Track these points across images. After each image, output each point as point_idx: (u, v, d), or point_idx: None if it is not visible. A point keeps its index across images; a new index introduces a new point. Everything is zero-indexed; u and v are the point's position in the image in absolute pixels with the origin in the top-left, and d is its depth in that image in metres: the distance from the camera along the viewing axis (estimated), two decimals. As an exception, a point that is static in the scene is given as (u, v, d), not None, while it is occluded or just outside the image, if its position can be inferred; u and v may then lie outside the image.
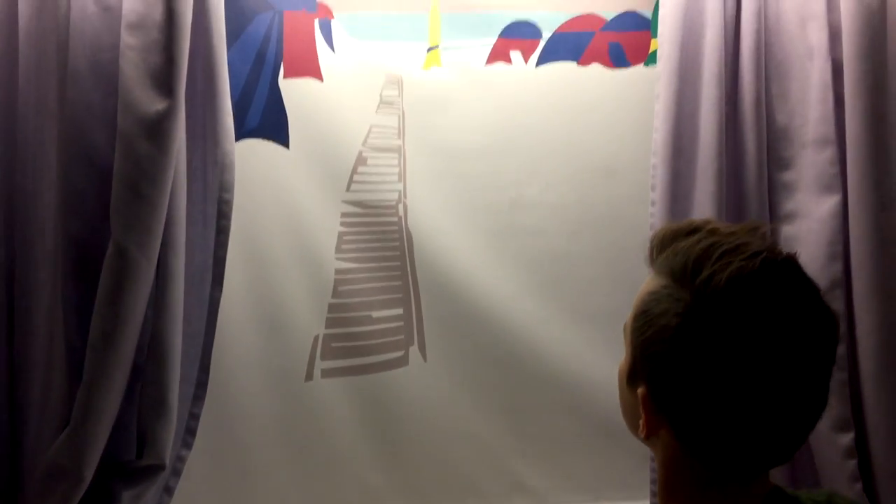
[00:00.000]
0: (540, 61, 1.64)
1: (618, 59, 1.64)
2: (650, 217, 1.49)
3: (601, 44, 1.64)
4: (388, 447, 1.62)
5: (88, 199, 1.34)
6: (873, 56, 1.39)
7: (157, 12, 1.32)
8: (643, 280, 0.80)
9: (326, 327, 1.61)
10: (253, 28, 1.56)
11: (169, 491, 1.42)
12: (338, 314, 1.61)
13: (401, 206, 1.62)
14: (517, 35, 1.63)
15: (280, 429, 1.59)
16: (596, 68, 1.64)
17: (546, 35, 1.63)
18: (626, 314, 0.81)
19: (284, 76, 1.59)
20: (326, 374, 1.61)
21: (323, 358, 1.61)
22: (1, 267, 1.39)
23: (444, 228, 1.63)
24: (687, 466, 0.76)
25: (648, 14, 1.63)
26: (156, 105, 1.31)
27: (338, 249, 1.61)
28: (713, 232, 0.75)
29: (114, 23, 1.34)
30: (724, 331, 0.70)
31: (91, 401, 1.30)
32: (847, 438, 1.40)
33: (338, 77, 1.60)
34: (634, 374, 0.78)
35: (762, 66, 1.46)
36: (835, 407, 1.41)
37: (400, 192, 1.62)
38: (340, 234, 1.61)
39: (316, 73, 1.59)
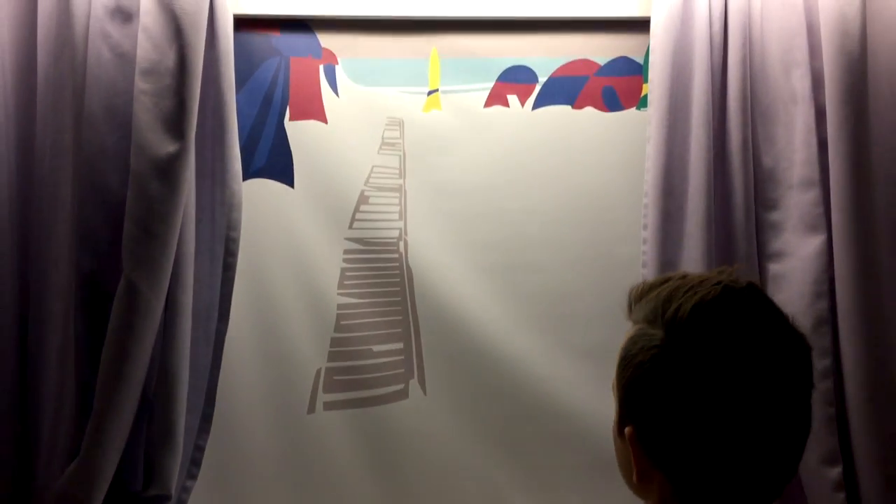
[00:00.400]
0: (536, 104, 1.68)
1: (611, 102, 1.69)
2: (642, 255, 1.53)
3: (595, 88, 1.68)
4: (388, 479, 1.64)
5: (101, 236, 1.40)
6: (855, 101, 1.44)
7: (170, 59, 1.38)
8: (635, 316, 0.83)
9: (329, 361, 1.64)
10: (260, 73, 1.63)
11: (174, 520, 1.45)
12: (340, 348, 1.64)
13: (401, 244, 1.66)
14: (514, 79, 1.68)
15: (283, 460, 1.62)
16: (590, 111, 1.68)
17: (542, 79, 1.68)
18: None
19: (290, 119, 1.64)
20: (328, 406, 1.64)
21: (325, 391, 1.64)
22: (15, 300, 1.43)
23: (443, 265, 1.66)
24: None
25: (640, 60, 1.68)
26: (167, 147, 1.37)
27: (340, 285, 1.65)
28: (683, 277, 0.79)
29: (128, 69, 1.41)
30: (694, 357, 0.73)
31: (100, 432, 1.34)
32: (835, 472, 1.43)
33: (341, 119, 1.65)
34: (622, 421, 0.80)
35: (748, 110, 1.50)
36: (823, 441, 1.43)
37: (401, 229, 1.67)
38: (343, 271, 1.65)
39: (320, 116, 1.65)
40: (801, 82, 1.49)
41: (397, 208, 1.66)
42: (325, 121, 1.65)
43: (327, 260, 1.64)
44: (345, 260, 1.65)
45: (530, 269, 1.67)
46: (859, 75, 1.44)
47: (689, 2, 1.51)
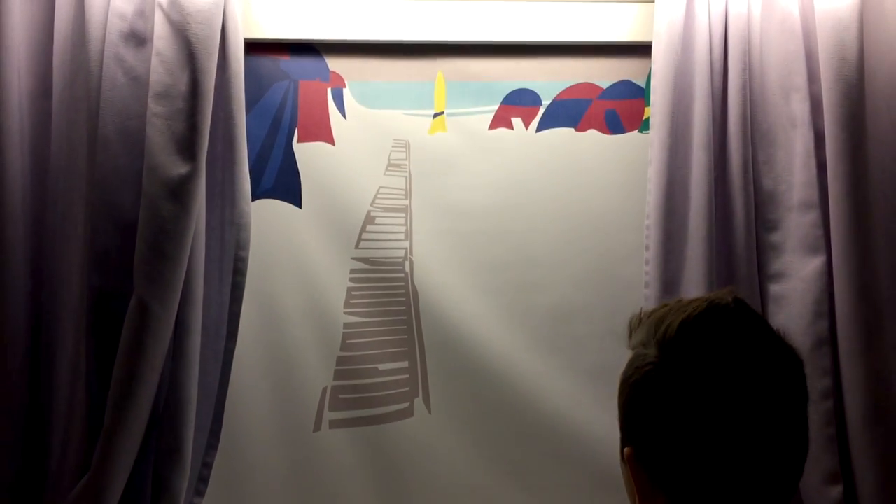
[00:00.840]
0: (540, 127, 1.71)
1: (614, 125, 1.72)
2: (645, 275, 1.55)
3: (598, 111, 1.71)
4: (393, 496, 1.65)
5: (113, 256, 1.42)
6: (853, 125, 1.46)
7: (182, 83, 1.41)
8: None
9: (335, 379, 1.66)
10: (270, 96, 1.66)
11: (182, 537, 1.46)
12: (346, 366, 1.66)
13: (407, 263, 1.68)
14: (518, 102, 1.71)
15: (289, 477, 1.63)
16: (593, 134, 1.71)
17: (546, 102, 1.71)
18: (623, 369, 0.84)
19: (298, 140, 1.67)
20: (334, 424, 1.65)
21: (331, 409, 1.65)
22: (27, 318, 1.45)
23: (448, 284, 1.68)
24: None
25: (642, 83, 1.71)
26: (179, 169, 1.40)
27: (346, 304, 1.67)
28: (679, 301, 0.82)
29: (141, 92, 1.43)
30: (683, 373, 0.74)
31: (110, 448, 1.36)
32: (836, 491, 1.44)
33: (349, 141, 1.68)
34: (623, 443, 0.80)
35: (748, 134, 1.53)
36: (824, 461, 1.45)
37: (406, 249, 1.69)
38: (349, 290, 1.67)
39: (328, 138, 1.68)
40: (800, 106, 1.52)
41: (403, 228, 1.69)
42: (332, 142, 1.68)
43: (334, 279, 1.67)
44: (351, 279, 1.67)
45: (534, 289, 1.69)
46: (857, 100, 1.47)
47: (689, 27, 1.54)
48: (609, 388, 0.87)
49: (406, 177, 1.69)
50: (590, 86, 1.72)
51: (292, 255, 1.66)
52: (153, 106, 1.41)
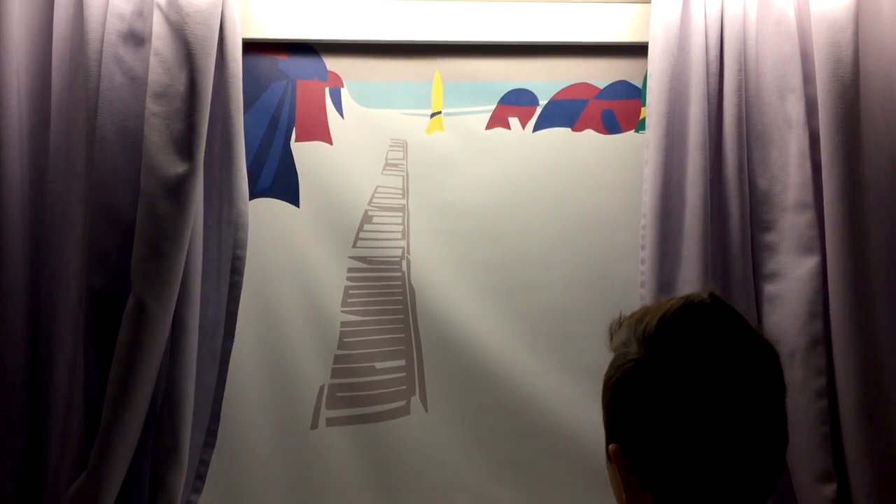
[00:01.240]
0: (537, 127, 1.71)
1: (610, 125, 1.72)
2: (640, 275, 1.55)
3: (594, 111, 1.72)
4: (389, 494, 1.66)
5: (111, 255, 1.43)
6: (848, 126, 1.47)
7: (181, 83, 1.42)
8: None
9: (332, 377, 1.66)
10: (268, 96, 1.66)
11: (179, 534, 1.47)
12: (343, 365, 1.67)
13: (404, 262, 1.69)
14: (515, 102, 1.71)
15: (286, 475, 1.64)
16: (589, 134, 1.71)
17: (542, 102, 1.71)
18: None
19: (296, 140, 1.68)
20: (331, 422, 1.66)
21: (328, 407, 1.66)
22: (26, 317, 1.46)
23: (445, 283, 1.69)
24: None
25: (639, 83, 1.71)
26: (177, 168, 1.40)
27: (344, 303, 1.67)
28: (658, 304, 0.83)
29: (140, 92, 1.44)
30: (661, 369, 0.76)
31: (107, 446, 1.37)
32: (830, 489, 1.45)
33: (346, 141, 1.68)
34: (608, 441, 0.82)
35: (744, 135, 1.53)
36: (818, 459, 1.46)
37: (403, 248, 1.69)
38: (346, 289, 1.68)
39: (326, 138, 1.69)
40: (795, 107, 1.52)
41: (400, 228, 1.69)
42: (330, 142, 1.69)
43: (331, 278, 1.67)
44: (348, 278, 1.68)
45: (531, 289, 1.70)
46: (852, 101, 1.47)
47: (685, 28, 1.54)
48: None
49: (403, 176, 1.70)
50: (586, 86, 1.72)
51: (290, 254, 1.67)
52: (151, 106, 1.41)
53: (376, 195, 1.69)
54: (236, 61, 1.48)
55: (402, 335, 1.69)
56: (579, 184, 1.71)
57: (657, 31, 1.55)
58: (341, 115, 1.69)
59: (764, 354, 0.79)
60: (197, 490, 1.50)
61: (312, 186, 1.68)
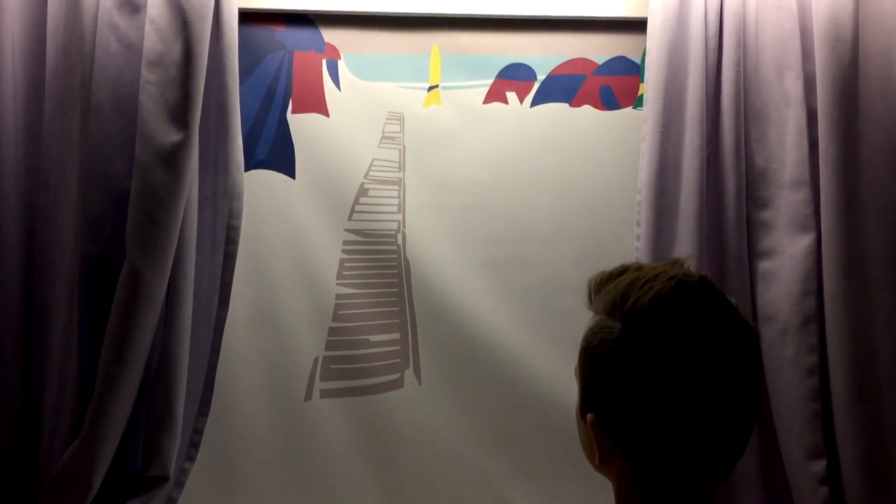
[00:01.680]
0: (534, 102, 1.71)
1: (608, 101, 1.71)
2: (635, 251, 1.55)
3: (593, 87, 1.71)
4: (382, 466, 1.67)
5: (105, 223, 1.43)
6: (846, 104, 1.46)
7: (176, 51, 1.42)
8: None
9: (326, 349, 1.67)
10: (264, 66, 1.66)
11: (172, 501, 1.48)
12: (337, 337, 1.67)
13: (400, 236, 1.69)
14: (513, 77, 1.71)
15: (279, 445, 1.65)
16: (587, 109, 1.71)
17: (541, 77, 1.70)
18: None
19: (292, 111, 1.67)
20: (325, 394, 1.67)
21: (322, 379, 1.67)
22: (20, 284, 1.47)
23: (440, 257, 1.69)
24: (639, 489, 0.82)
25: (637, 59, 1.70)
26: (171, 137, 1.40)
27: (339, 276, 1.68)
28: (639, 269, 0.84)
29: (135, 60, 1.43)
30: (650, 348, 0.78)
31: (101, 414, 1.37)
32: (820, 466, 1.46)
33: (343, 113, 1.68)
34: (585, 406, 0.85)
35: (741, 112, 1.53)
36: (808, 436, 1.46)
37: (399, 222, 1.69)
38: (342, 261, 1.68)
39: (322, 110, 1.68)
40: (793, 85, 1.52)
41: (396, 201, 1.69)
42: (326, 114, 1.68)
43: (326, 250, 1.67)
44: (344, 251, 1.68)
45: (526, 264, 1.70)
46: (851, 79, 1.47)
47: (685, 3, 1.53)
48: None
49: (400, 149, 1.70)
50: (585, 61, 1.71)
51: (285, 225, 1.67)
52: (146, 73, 1.41)
53: (372, 168, 1.69)
54: (232, 30, 1.48)
55: (397, 308, 1.69)
56: (576, 159, 1.70)
57: (656, 5, 1.54)
58: (338, 87, 1.68)
59: (749, 340, 0.81)
60: (190, 458, 1.50)
61: (308, 158, 1.68)
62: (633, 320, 0.79)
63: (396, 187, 1.69)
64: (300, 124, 1.68)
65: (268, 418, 1.65)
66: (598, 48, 1.71)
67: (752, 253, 1.55)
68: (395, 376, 1.69)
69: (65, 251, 1.46)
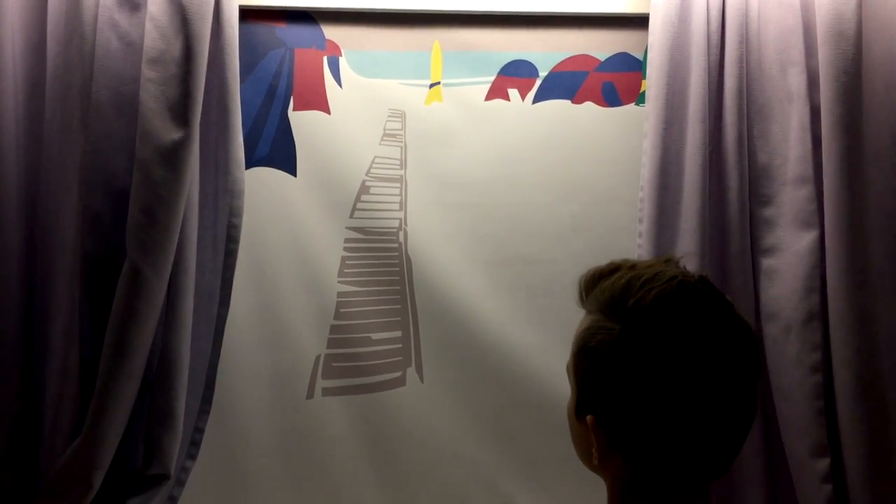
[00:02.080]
0: (536, 99, 1.70)
1: (610, 97, 1.71)
2: (637, 248, 1.55)
3: (595, 83, 1.70)
4: (384, 464, 1.66)
5: (106, 221, 1.42)
6: (849, 101, 1.45)
7: (176, 49, 1.41)
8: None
9: (328, 347, 1.67)
10: (265, 63, 1.65)
11: (173, 500, 1.48)
12: (339, 335, 1.67)
13: (401, 233, 1.69)
14: (515, 73, 1.70)
15: (281, 443, 1.65)
16: (589, 106, 1.70)
17: (542, 74, 1.70)
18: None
19: (294, 109, 1.67)
20: (327, 392, 1.66)
21: (324, 377, 1.66)
22: (22, 281, 1.47)
23: (442, 255, 1.69)
24: (637, 488, 0.81)
25: (640, 56, 1.70)
26: (172, 134, 1.40)
27: (340, 273, 1.67)
28: (632, 267, 0.83)
29: (135, 58, 1.43)
30: (652, 349, 0.77)
31: (102, 411, 1.37)
32: (824, 464, 1.45)
33: (344, 110, 1.68)
34: (581, 406, 0.84)
35: (744, 108, 1.52)
36: (812, 433, 1.45)
37: (401, 219, 1.69)
38: (343, 259, 1.68)
39: (324, 107, 1.68)
40: (796, 80, 1.51)
41: (398, 198, 1.69)
42: (328, 111, 1.68)
43: (328, 248, 1.67)
44: (345, 248, 1.68)
45: (527, 261, 1.69)
46: (854, 75, 1.46)
47: (686, 0, 1.53)
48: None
49: (401, 147, 1.69)
50: (587, 58, 1.71)
51: (287, 223, 1.66)
52: (147, 71, 1.41)
53: (374, 165, 1.69)
54: (232, 27, 1.48)
55: (399, 306, 1.69)
56: (578, 156, 1.70)
57: (658, 2, 1.54)
58: (339, 84, 1.68)
59: (748, 341, 0.81)
60: (192, 456, 1.50)
61: (310, 156, 1.67)
62: (635, 321, 0.79)
63: (398, 185, 1.69)
64: (301, 122, 1.67)
65: (269, 416, 1.65)
66: (600, 45, 1.71)
67: (755, 250, 1.54)
68: (397, 374, 1.68)
69: (65, 249, 1.45)
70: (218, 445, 1.61)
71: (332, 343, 1.67)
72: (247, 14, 1.61)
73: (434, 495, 1.68)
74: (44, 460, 1.44)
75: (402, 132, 1.69)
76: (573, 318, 1.64)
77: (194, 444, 1.50)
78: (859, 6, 1.46)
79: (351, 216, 1.68)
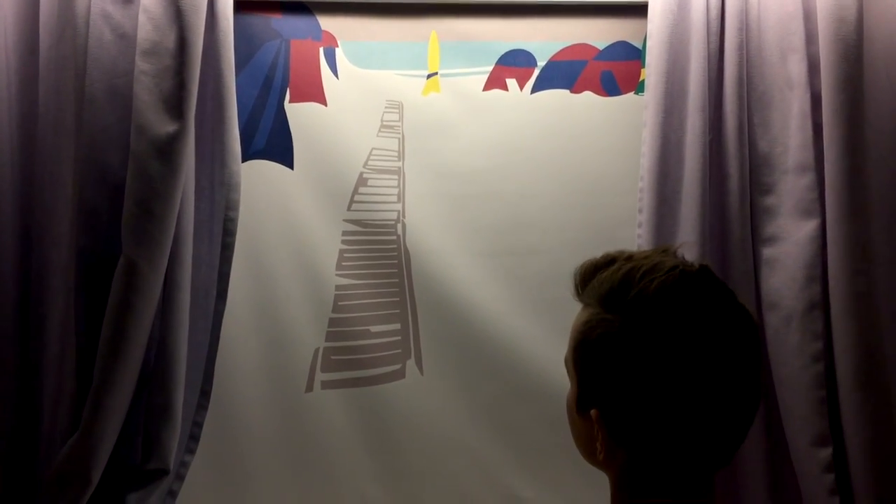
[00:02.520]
0: (535, 88, 1.69)
1: (609, 87, 1.70)
2: (637, 238, 1.54)
3: (594, 72, 1.69)
4: (384, 457, 1.66)
5: (101, 215, 1.42)
6: (850, 87, 1.44)
7: (170, 40, 1.40)
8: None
9: (327, 340, 1.66)
10: (261, 55, 1.64)
11: (172, 494, 1.47)
12: (338, 328, 1.66)
13: (399, 226, 1.68)
14: (513, 63, 1.69)
15: (280, 437, 1.64)
16: (588, 96, 1.69)
17: (541, 63, 1.69)
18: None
19: (290, 101, 1.66)
20: (326, 385, 1.66)
21: (323, 370, 1.66)
22: (18, 277, 1.46)
23: (441, 247, 1.68)
24: (640, 480, 0.80)
25: (639, 44, 1.68)
26: (167, 127, 1.39)
27: (338, 266, 1.66)
28: (629, 258, 0.82)
29: (129, 50, 1.42)
30: (655, 340, 0.76)
31: (100, 407, 1.36)
32: (826, 453, 1.45)
33: (341, 102, 1.66)
34: (583, 401, 0.82)
35: (744, 96, 1.51)
36: (814, 423, 1.45)
37: (399, 211, 1.68)
38: (341, 252, 1.67)
39: (320, 99, 1.66)
40: (797, 68, 1.50)
41: (396, 190, 1.68)
42: (324, 103, 1.66)
43: (326, 241, 1.66)
44: (343, 241, 1.67)
45: (527, 252, 1.69)
46: (855, 62, 1.45)
47: (686, -13, 1.52)
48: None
49: (399, 138, 1.68)
50: (586, 47, 1.70)
51: (284, 216, 1.66)
52: (141, 63, 1.40)
53: (371, 157, 1.68)
54: (227, 19, 1.46)
55: (398, 299, 1.68)
56: (578, 146, 1.69)
57: (657, -11, 1.52)
58: (336, 75, 1.67)
59: (750, 330, 0.80)
60: (191, 451, 1.50)
61: (307, 148, 1.66)
62: (637, 312, 0.77)
63: (396, 176, 1.68)
64: (298, 114, 1.66)
65: (268, 410, 1.64)
66: (598, 33, 1.70)
67: (756, 239, 1.53)
68: (397, 367, 1.68)
69: (60, 244, 1.44)
70: (217, 440, 1.60)
71: (330, 336, 1.66)
72: (242, 5, 1.59)
73: (434, 487, 1.68)
74: (42, 456, 1.43)
75: (399, 123, 1.68)
76: (572, 308, 1.64)
77: (193, 439, 1.49)
78: (860, -8, 1.45)
79: (349, 208, 1.67)
